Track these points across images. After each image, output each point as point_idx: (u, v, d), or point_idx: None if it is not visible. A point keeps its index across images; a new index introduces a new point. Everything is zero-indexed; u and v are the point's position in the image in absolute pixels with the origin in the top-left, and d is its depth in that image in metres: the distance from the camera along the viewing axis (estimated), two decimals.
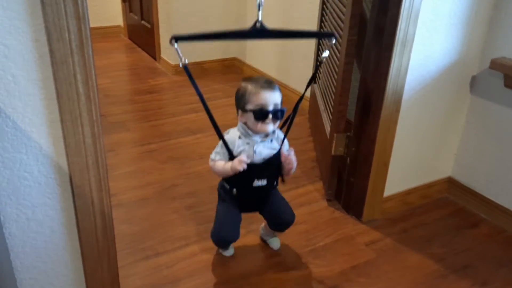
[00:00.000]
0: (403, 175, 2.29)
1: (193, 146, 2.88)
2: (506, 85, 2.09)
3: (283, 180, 1.87)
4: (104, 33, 5.04)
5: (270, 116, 1.65)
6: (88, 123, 1.30)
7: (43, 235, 1.39)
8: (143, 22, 4.55)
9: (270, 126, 1.68)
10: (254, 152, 1.71)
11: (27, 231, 1.36)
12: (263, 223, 2.05)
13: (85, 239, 1.46)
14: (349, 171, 2.24)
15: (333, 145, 2.24)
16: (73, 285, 1.52)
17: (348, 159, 2.24)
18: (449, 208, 2.39)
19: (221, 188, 1.87)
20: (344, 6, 2.13)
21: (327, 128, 2.41)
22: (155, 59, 4.41)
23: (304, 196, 2.42)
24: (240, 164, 1.65)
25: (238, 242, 2.05)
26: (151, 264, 1.93)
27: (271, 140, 1.75)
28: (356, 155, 2.18)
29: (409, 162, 2.27)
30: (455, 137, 2.36)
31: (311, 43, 3.16)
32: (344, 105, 2.19)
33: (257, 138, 1.71)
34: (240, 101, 1.70)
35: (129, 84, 3.99)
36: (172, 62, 4.06)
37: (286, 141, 1.79)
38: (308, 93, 3.25)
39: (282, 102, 1.71)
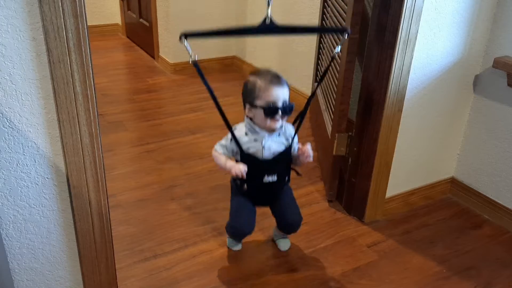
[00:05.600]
0: (405, 176, 2.27)
1: (192, 146, 2.86)
2: (509, 84, 2.07)
3: (298, 174, 1.87)
4: (102, 32, 5.02)
5: (280, 112, 1.64)
6: (86, 122, 1.30)
7: (40, 236, 1.39)
8: (141, 20, 4.52)
9: (279, 122, 1.67)
10: (263, 147, 1.70)
11: (24, 232, 1.36)
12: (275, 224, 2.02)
13: (83, 240, 1.45)
14: (351, 171, 2.22)
15: (335, 145, 2.21)
16: (70, 287, 1.51)
17: (350, 159, 2.21)
18: (452, 209, 2.37)
19: (233, 181, 1.86)
20: (346, 4, 2.11)
21: (329, 127, 2.39)
22: (153, 57, 4.39)
23: (305, 197, 2.40)
24: (237, 173, 1.67)
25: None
26: (149, 266, 1.91)
27: (279, 134, 1.73)
28: (358, 155, 2.15)
29: (411, 163, 2.25)
30: (458, 137, 2.34)
31: (312, 41, 3.14)
32: (346, 105, 2.17)
33: (264, 133, 1.70)
34: (249, 96, 1.68)
35: (127, 83, 3.97)
36: (171, 61, 4.04)
37: (296, 138, 1.78)
38: (309, 92, 3.23)
39: (289, 97, 1.70)
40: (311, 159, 1.76)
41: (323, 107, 2.65)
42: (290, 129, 1.77)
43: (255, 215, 1.85)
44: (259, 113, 1.65)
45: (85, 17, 1.19)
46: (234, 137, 1.70)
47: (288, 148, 1.75)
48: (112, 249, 1.54)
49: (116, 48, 4.82)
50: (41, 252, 1.41)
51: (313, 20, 3.06)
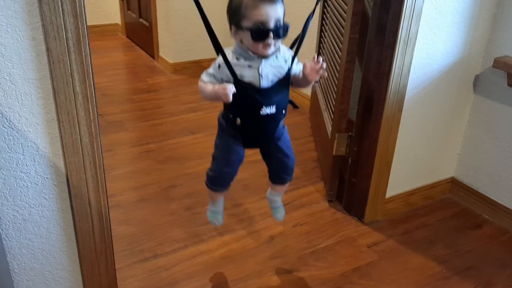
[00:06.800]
0: (405, 176, 2.26)
1: (192, 146, 2.86)
2: (509, 84, 2.07)
3: (295, 106, 1.60)
4: (101, 31, 5.01)
5: (272, 35, 1.36)
6: (85, 122, 1.30)
7: (40, 236, 1.39)
8: (141, 20, 4.52)
9: (271, 47, 1.39)
10: (261, 75, 1.42)
11: (23, 232, 1.36)
12: (269, 188, 1.81)
13: (82, 240, 1.45)
14: (351, 171, 2.22)
15: (335, 145, 2.21)
16: (70, 287, 1.51)
17: (350, 159, 2.21)
18: (452, 209, 2.37)
19: (222, 118, 1.57)
20: (346, 4, 2.11)
21: (329, 127, 2.39)
22: (153, 57, 4.38)
23: (305, 197, 2.40)
24: (224, 94, 1.36)
25: (238, 243, 2.04)
26: (149, 266, 1.91)
27: (276, 57, 1.45)
28: (358, 155, 2.15)
29: (411, 163, 2.24)
30: (458, 137, 2.34)
31: (312, 41, 3.13)
32: (346, 104, 2.16)
33: (260, 58, 1.42)
34: (234, 16, 1.39)
35: (127, 83, 3.97)
36: (171, 61, 4.03)
37: (296, 60, 1.51)
38: (309, 92, 3.23)
39: (284, 15, 1.40)
40: (324, 71, 1.45)
41: (323, 107, 2.65)
42: (286, 50, 1.50)
43: (242, 161, 1.61)
44: (247, 36, 1.37)
45: (85, 16, 1.19)
46: (226, 60, 1.41)
47: (287, 73, 1.48)
48: (112, 249, 1.53)
49: (116, 48, 4.81)
50: (41, 252, 1.40)
51: (313, 20, 3.06)
